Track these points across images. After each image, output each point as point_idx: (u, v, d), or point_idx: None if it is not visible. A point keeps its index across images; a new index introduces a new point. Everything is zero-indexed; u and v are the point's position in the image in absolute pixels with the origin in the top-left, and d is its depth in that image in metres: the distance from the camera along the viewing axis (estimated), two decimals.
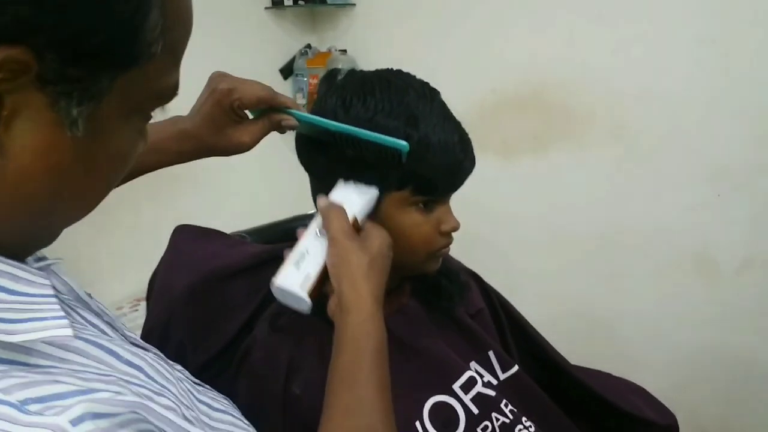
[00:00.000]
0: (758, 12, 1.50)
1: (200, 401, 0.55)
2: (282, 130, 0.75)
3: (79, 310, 0.48)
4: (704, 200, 1.69)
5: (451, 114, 0.77)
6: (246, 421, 0.60)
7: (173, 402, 0.46)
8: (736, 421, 1.78)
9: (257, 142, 0.75)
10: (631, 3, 1.70)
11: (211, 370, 0.76)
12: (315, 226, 0.70)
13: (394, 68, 0.78)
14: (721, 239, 1.70)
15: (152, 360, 0.49)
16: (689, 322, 1.80)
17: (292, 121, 0.73)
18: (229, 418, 0.57)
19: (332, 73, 0.80)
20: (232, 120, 0.72)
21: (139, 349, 0.50)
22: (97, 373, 0.41)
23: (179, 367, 0.60)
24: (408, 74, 0.77)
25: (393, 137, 0.68)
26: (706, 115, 1.64)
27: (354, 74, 0.78)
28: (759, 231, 1.63)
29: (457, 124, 0.76)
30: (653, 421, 0.94)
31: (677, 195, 1.74)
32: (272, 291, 0.68)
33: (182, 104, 0.78)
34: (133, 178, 0.75)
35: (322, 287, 0.67)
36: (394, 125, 0.71)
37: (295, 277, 0.66)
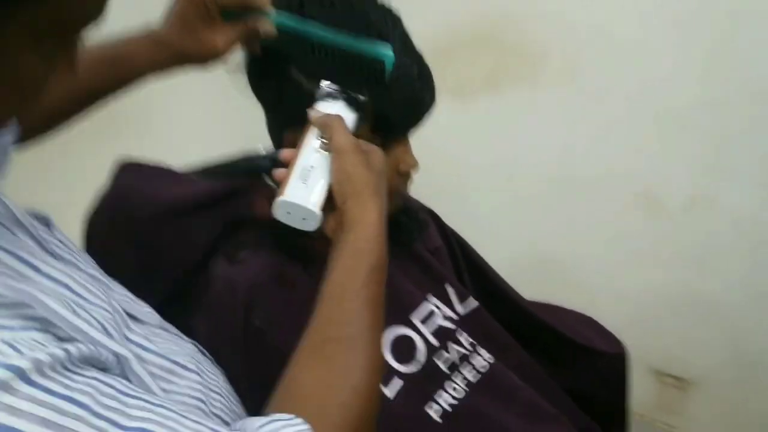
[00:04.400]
0: None
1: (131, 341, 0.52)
2: (255, 40, 0.70)
3: (14, 230, 0.47)
4: (651, 140, 1.72)
5: (413, 44, 0.72)
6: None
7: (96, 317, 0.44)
8: (679, 354, 1.88)
9: (230, 47, 0.71)
10: None
11: (163, 315, 0.73)
12: (313, 139, 0.63)
13: None
14: (667, 179, 1.74)
15: (84, 280, 0.47)
16: (637, 261, 1.85)
17: (269, 27, 0.68)
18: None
19: None
20: (204, 21, 0.68)
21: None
22: None
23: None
24: None
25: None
26: (654, 56, 1.65)
27: None
28: (703, 169, 1.68)
29: (419, 56, 0.72)
30: (604, 351, 0.98)
31: (626, 135, 1.76)
32: (274, 208, 0.61)
33: None
34: (112, 92, 0.72)
35: (325, 203, 0.62)
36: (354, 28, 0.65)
37: (305, 192, 0.60)
